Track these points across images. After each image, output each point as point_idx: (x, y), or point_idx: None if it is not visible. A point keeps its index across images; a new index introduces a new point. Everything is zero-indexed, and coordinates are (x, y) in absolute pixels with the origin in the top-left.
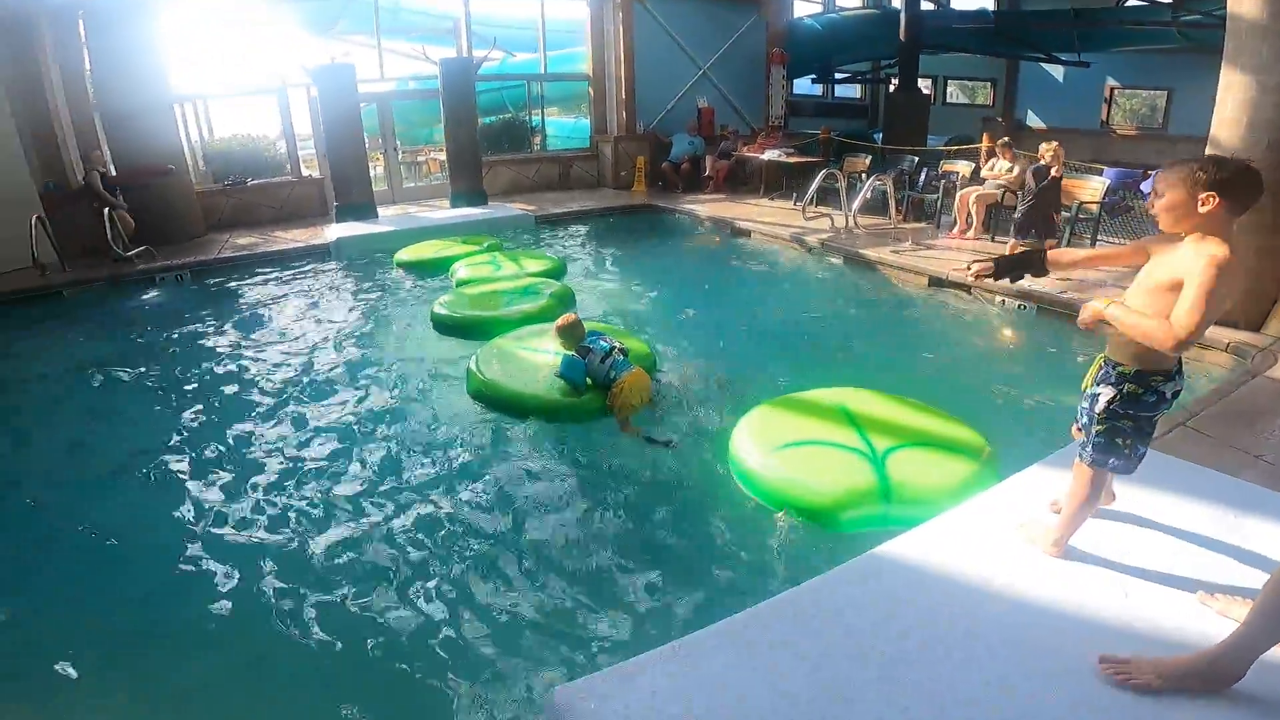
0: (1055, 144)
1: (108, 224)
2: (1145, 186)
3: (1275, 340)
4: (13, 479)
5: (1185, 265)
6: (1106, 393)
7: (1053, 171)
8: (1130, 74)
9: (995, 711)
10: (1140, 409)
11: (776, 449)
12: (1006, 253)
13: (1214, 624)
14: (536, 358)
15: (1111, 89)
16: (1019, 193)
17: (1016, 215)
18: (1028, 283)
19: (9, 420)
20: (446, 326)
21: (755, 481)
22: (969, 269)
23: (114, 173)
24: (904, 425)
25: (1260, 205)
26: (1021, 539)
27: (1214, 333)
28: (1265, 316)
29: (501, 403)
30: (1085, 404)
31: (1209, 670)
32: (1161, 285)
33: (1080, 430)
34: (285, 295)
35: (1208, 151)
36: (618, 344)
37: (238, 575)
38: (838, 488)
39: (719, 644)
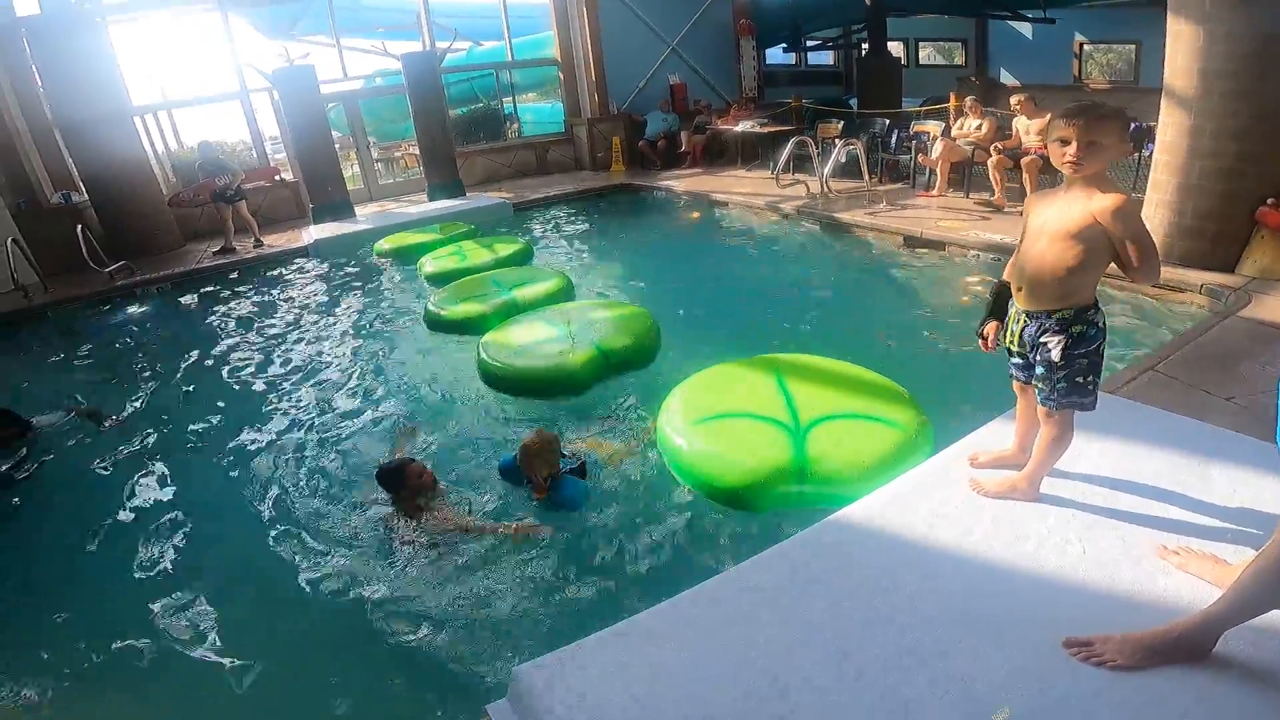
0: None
1: (81, 240)
2: None
3: (1249, 280)
4: None
5: (1097, 211)
6: (1055, 341)
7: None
8: (1098, 28)
9: (955, 690)
10: (1089, 344)
11: (696, 423)
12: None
13: (1172, 580)
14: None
15: (1080, 44)
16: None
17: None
18: (999, 236)
19: None
20: (440, 324)
21: (673, 457)
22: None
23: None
24: (837, 395)
25: (1224, 150)
26: (989, 492)
27: (1187, 275)
28: (1238, 258)
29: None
30: (1033, 358)
31: (1174, 647)
32: (1068, 231)
33: (1029, 384)
34: (266, 300)
35: (1164, 102)
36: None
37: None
38: (750, 466)
39: (662, 625)
